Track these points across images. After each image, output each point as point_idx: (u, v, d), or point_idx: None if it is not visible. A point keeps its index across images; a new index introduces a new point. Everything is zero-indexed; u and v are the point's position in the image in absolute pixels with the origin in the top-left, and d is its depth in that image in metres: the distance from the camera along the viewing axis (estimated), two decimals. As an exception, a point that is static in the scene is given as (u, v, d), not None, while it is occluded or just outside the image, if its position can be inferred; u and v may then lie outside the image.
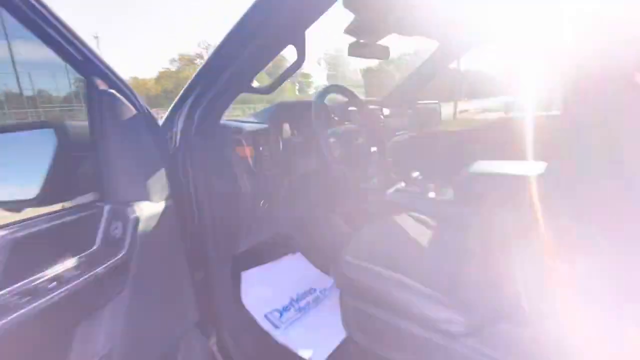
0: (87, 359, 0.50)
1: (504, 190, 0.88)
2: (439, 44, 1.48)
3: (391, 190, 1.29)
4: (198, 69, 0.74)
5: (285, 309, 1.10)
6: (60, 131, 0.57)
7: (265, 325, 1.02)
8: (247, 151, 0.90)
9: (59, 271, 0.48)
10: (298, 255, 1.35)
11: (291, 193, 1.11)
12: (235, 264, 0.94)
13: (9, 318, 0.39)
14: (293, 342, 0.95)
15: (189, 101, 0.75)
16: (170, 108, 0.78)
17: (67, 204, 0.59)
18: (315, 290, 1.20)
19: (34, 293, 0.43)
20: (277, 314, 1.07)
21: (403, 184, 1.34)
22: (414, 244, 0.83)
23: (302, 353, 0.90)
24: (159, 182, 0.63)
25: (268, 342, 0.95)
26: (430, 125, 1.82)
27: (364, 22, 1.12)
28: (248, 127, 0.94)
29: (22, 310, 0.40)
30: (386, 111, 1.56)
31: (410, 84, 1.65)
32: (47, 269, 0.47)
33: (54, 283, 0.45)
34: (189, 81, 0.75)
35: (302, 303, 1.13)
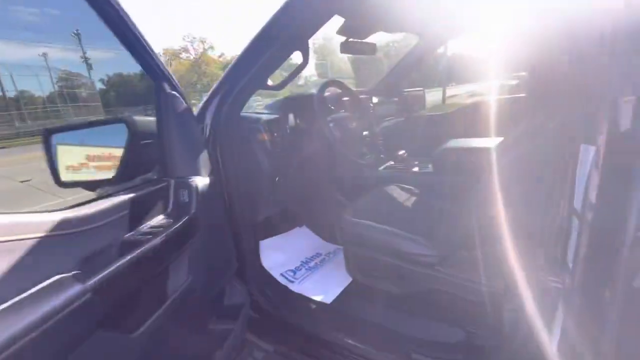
0: (179, 284, 0.71)
1: (469, 160, 1.10)
2: (418, 38, 1.67)
3: (381, 168, 1.51)
4: (224, 73, 0.93)
5: (298, 269, 1.32)
6: (131, 125, 0.76)
7: (282, 281, 1.25)
8: (265, 137, 1.10)
9: (153, 224, 0.68)
10: (304, 228, 1.58)
11: (298, 171, 1.33)
12: (255, 231, 1.15)
13: (140, 250, 0.58)
14: (306, 290, 1.18)
15: (217, 98, 0.94)
16: (201, 105, 0.97)
17: (138, 181, 0.78)
18: (321, 254, 1.43)
19: (149, 234, 0.63)
20: (291, 273, 1.30)
21: (392, 163, 1.56)
22: (399, 204, 1.06)
23: (315, 297, 1.13)
24: (204, 161, 0.83)
25: (286, 291, 1.17)
26: (416, 110, 2.04)
27: (352, 23, 1.31)
28: (264, 117, 1.14)
29: (147, 245, 0.60)
30: (375, 100, 1.76)
31: (395, 75, 1.85)
32: (144, 222, 0.67)
33: (158, 229, 0.65)
34: (216, 83, 0.94)
35: (311, 264, 1.36)
